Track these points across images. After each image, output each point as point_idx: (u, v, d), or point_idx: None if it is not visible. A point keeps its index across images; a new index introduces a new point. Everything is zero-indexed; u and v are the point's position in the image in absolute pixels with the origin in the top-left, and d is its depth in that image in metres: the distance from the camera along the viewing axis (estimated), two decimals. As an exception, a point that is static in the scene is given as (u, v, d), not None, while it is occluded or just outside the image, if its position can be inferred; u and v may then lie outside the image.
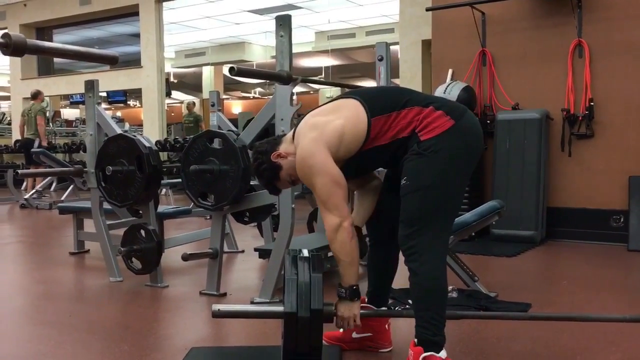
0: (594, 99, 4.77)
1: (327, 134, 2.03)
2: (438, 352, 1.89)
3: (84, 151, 3.63)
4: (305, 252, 2.06)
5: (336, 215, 1.98)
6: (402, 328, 2.54)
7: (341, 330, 2.39)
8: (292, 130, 2.21)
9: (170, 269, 3.97)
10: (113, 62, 2.29)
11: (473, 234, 3.33)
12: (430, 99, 2.07)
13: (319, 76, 16.41)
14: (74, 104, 16.08)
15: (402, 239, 1.99)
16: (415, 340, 1.94)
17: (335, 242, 2.01)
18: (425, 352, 1.88)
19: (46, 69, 14.08)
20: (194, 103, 13.96)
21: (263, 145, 2.22)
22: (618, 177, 4.71)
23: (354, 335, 2.39)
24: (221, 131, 3.47)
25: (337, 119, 2.06)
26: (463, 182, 2.08)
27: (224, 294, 3.33)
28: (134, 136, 3.52)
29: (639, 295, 3.36)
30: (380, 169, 2.41)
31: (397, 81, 8.74)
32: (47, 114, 10.88)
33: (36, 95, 9.32)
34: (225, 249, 4.44)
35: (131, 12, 12.05)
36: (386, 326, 2.39)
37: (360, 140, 2.03)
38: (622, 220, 4.67)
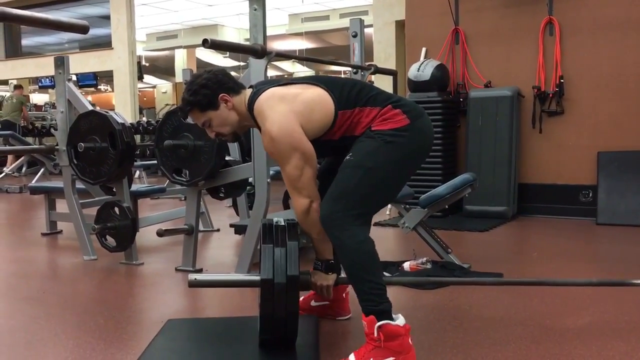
0: (564, 76, 4.85)
1: (298, 106, 1.96)
2: (390, 319, 1.87)
3: (55, 129, 3.57)
4: (281, 221, 2.07)
5: (305, 196, 1.96)
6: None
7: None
8: (251, 92, 2.09)
9: (145, 248, 3.94)
10: (84, 31, 2.26)
11: (447, 207, 3.36)
12: (390, 98, 2.03)
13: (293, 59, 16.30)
14: (42, 88, 15.75)
15: (329, 209, 1.92)
16: (364, 313, 1.90)
17: (305, 223, 1.99)
18: (379, 321, 1.85)
19: (14, 51, 13.75)
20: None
21: (225, 79, 2.07)
22: (587, 152, 4.81)
23: (313, 303, 2.41)
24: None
25: (304, 93, 2.01)
26: (403, 178, 2.09)
27: (200, 270, 3.33)
28: (106, 112, 3.47)
29: (607, 264, 3.46)
30: None
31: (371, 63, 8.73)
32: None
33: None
34: (201, 227, 4.43)
35: (101, -7, 11.84)
36: (344, 295, 2.41)
37: (326, 126, 2.00)
38: (590, 195, 4.78)
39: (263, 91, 2.03)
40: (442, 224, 4.49)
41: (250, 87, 2.17)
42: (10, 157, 9.38)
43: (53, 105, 12.56)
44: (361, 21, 3.99)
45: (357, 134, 2.00)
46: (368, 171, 1.93)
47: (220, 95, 2.05)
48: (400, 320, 1.88)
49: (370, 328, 1.87)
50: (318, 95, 2.01)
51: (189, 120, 3.24)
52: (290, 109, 1.95)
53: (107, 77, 13.72)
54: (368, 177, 1.93)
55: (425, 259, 3.19)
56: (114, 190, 3.70)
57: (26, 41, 14.68)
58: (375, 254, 1.94)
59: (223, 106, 2.06)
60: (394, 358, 1.85)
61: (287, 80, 2.13)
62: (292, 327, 1.99)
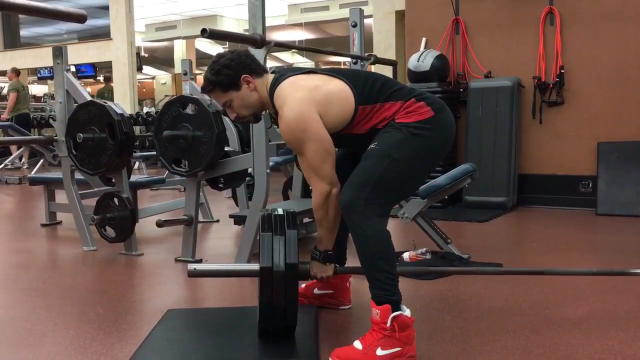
0: (565, 66, 4.83)
1: (317, 95, 1.95)
2: (401, 310, 1.87)
3: (54, 120, 3.56)
4: (280, 210, 2.06)
5: (327, 182, 1.95)
6: (361, 286, 2.55)
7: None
8: (273, 77, 2.08)
9: (144, 239, 3.94)
10: (81, 21, 2.25)
11: (446, 197, 3.36)
12: (412, 92, 2.03)
13: (293, 50, 16.25)
14: (42, 79, 15.72)
15: (351, 196, 1.90)
16: (375, 301, 1.90)
17: (322, 209, 1.98)
18: (394, 311, 1.86)
19: (12, 42, 13.70)
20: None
21: (248, 61, 2.06)
22: (587, 143, 4.80)
23: (316, 291, 2.40)
24: (194, 96, 3.43)
25: (325, 85, 2.00)
26: (426, 171, 2.09)
27: (200, 260, 3.33)
28: (105, 103, 3.46)
29: (607, 255, 3.46)
30: None
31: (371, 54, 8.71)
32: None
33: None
34: (201, 218, 4.43)
35: (99, -17, 11.79)
36: (347, 284, 2.42)
37: (345, 120, 1.99)
38: (590, 185, 4.78)
39: (285, 78, 2.03)
40: (441, 215, 4.49)
41: (273, 72, 2.15)
42: (14, 148, 9.38)
43: (52, 97, 12.54)
44: (361, 11, 3.97)
45: (378, 127, 1.98)
46: (393, 161, 1.91)
47: (243, 76, 2.04)
48: (408, 312, 1.89)
49: (383, 317, 1.85)
50: (339, 89, 2.00)
51: (188, 111, 3.23)
52: (310, 97, 1.95)
53: (106, 67, 13.67)
54: (393, 168, 1.91)
55: (424, 249, 3.19)
56: (113, 181, 3.69)
57: (25, 32, 14.63)
58: (392, 245, 1.94)
59: (245, 87, 2.05)
60: (400, 348, 1.86)
61: (310, 69, 2.11)
62: (292, 316, 1.99)
